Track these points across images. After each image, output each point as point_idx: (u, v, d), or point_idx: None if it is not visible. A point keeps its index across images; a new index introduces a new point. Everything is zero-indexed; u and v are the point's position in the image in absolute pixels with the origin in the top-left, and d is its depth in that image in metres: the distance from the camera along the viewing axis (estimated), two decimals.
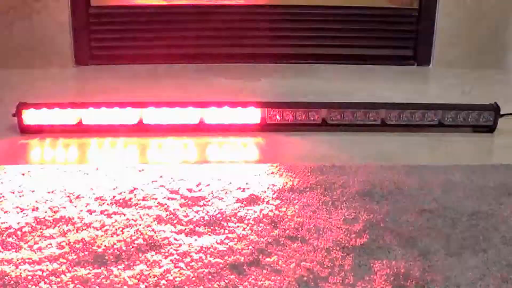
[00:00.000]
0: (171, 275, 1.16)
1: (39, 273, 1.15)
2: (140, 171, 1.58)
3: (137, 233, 1.29)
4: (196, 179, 1.53)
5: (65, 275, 1.15)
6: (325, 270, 1.18)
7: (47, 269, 1.16)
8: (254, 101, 1.87)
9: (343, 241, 1.28)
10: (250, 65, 2.57)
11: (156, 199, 1.44)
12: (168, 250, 1.24)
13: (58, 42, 2.49)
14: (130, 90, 2.27)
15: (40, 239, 1.27)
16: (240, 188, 1.49)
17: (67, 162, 1.66)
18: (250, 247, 1.25)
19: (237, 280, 1.15)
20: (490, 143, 1.87)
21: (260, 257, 1.22)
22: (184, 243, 1.26)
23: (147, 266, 1.18)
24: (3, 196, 1.44)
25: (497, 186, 1.54)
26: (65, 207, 1.39)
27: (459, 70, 2.60)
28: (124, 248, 1.24)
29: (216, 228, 1.32)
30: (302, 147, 1.78)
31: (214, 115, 1.84)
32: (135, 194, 1.46)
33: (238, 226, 1.33)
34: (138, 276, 1.15)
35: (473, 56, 2.63)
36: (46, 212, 1.37)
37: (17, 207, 1.39)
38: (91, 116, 1.82)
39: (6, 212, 1.37)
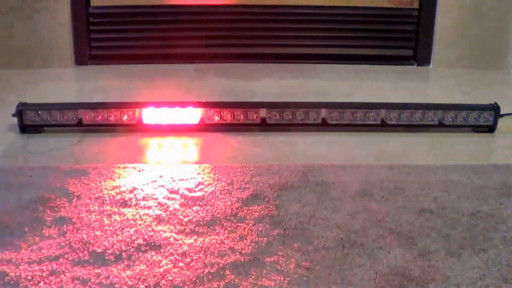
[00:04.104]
0: (171, 275, 1.16)
1: (39, 273, 1.15)
2: (140, 171, 1.58)
3: (137, 233, 1.29)
4: (196, 179, 1.53)
5: (65, 275, 1.15)
6: (325, 270, 1.18)
7: (47, 269, 1.16)
8: (254, 101, 1.86)
9: (343, 241, 1.28)
10: (250, 65, 2.57)
11: (156, 199, 1.44)
12: (168, 250, 1.24)
13: (58, 42, 2.49)
14: (130, 90, 2.27)
15: (40, 239, 1.27)
16: (240, 188, 1.49)
17: (67, 162, 1.65)
18: (250, 247, 1.25)
19: (237, 280, 1.15)
20: (490, 143, 1.87)
21: (260, 257, 1.22)
22: (184, 243, 1.26)
23: (147, 266, 1.18)
24: (4, 196, 1.44)
25: (497, 186, 1.54)
26: (65, 207, 1.39)
27: (459, 70, 2.60)
28: (124, 248, 1.24)
29: (216, 228, 1.32)
30: (302, 147, 1.78)
31: (214, 115, 1.83)
32: (135, 194, 1.46)
33: (238, 226, 1.33)
34: (138, 276, 1.15)
35: (473, 56, 2.63)
36: (46, 212, 1.37)
37: (17, 206, 1.39)
38: (91, 116, 1.82)
39: (6, 212, 1.37)
